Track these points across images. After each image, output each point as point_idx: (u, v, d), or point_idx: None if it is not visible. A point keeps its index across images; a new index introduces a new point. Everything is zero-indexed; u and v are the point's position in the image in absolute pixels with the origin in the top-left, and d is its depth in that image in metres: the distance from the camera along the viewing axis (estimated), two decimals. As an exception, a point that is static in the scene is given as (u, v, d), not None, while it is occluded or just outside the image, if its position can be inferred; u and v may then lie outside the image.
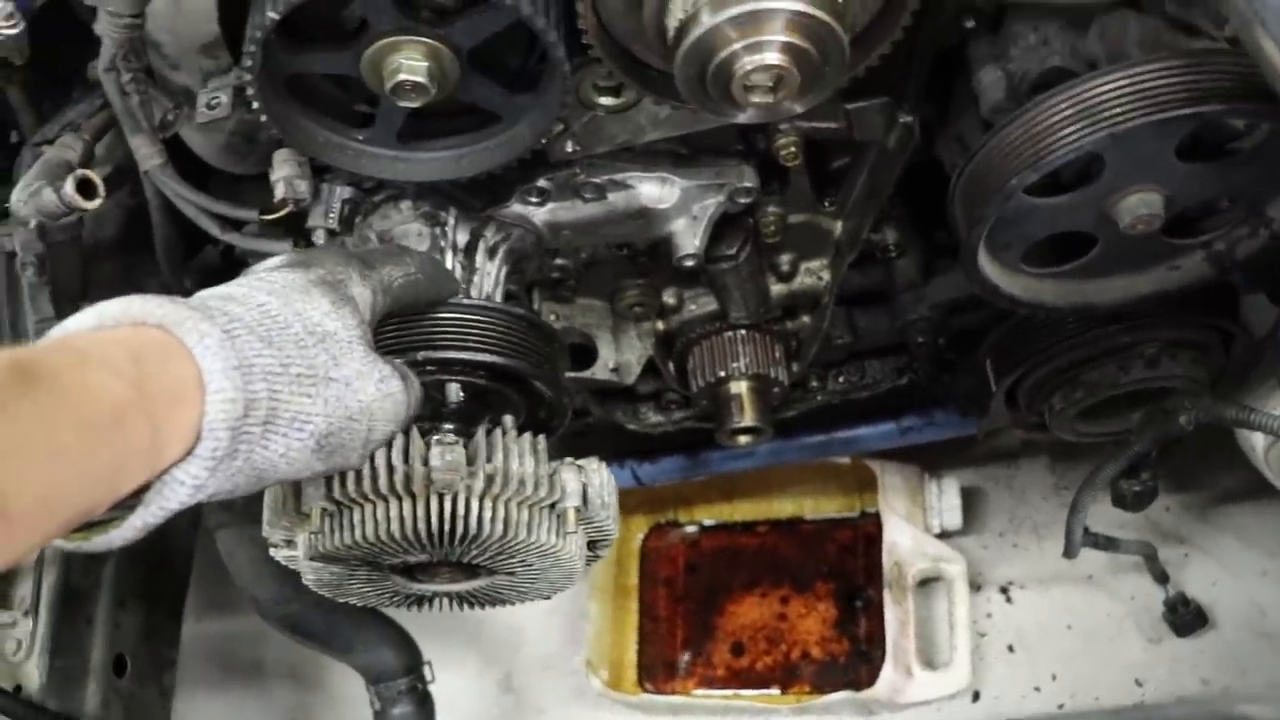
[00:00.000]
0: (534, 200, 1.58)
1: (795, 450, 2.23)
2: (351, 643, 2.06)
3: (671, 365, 1.92)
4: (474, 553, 1.32)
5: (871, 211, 1.71)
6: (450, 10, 1.29)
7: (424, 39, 1.29)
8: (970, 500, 2.38)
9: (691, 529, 2.54)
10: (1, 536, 0.79)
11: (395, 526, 1.27)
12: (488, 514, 1.29)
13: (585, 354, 1.87)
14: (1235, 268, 1.57)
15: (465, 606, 1.48)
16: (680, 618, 2.47)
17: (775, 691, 2.35)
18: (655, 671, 2.42)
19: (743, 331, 1.84)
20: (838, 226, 1.76)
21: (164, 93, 1.53)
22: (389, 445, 1.25)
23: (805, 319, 1.89)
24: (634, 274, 1.80)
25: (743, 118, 1.29)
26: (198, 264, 1.73)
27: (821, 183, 1.70)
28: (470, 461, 1.30)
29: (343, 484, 1.27)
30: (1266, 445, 1.85)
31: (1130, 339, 1.76)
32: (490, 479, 1.30)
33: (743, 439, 1.89)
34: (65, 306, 1.66)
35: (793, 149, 1.55)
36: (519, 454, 1.32)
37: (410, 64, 1.29)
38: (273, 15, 1.23)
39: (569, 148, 1.51)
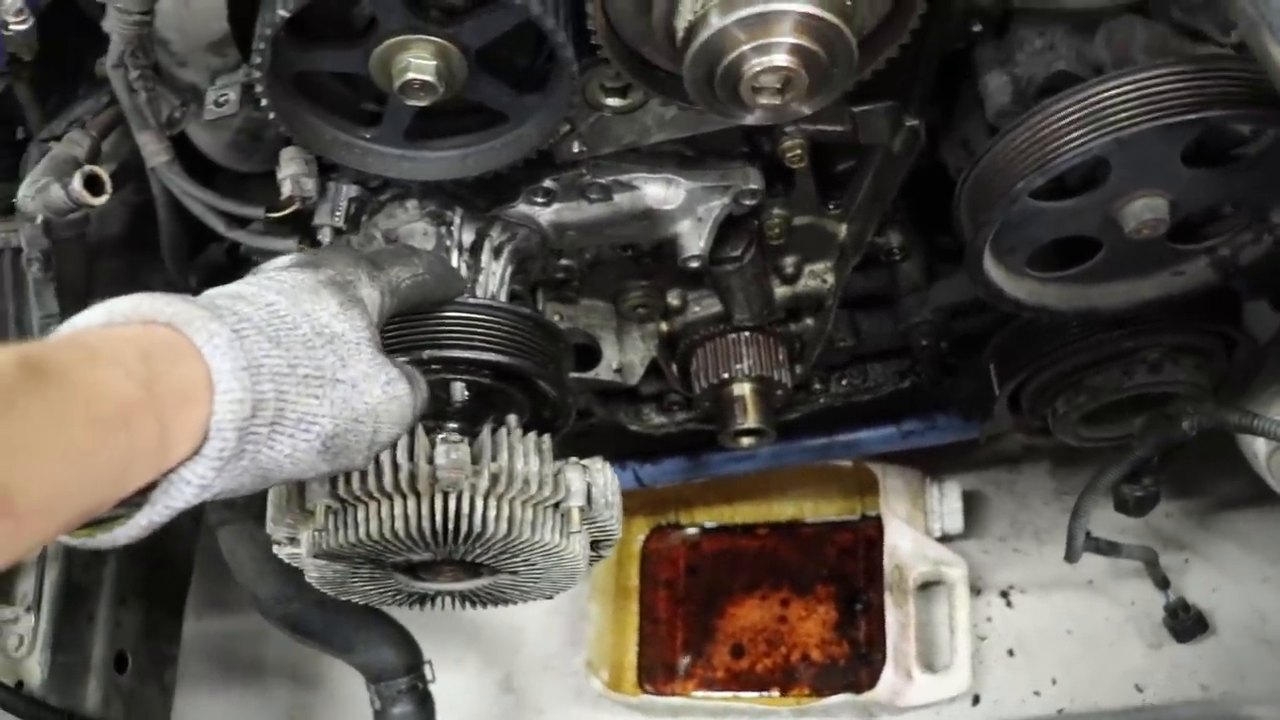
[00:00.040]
0: (539, 200, 1.58)
1: (797, 453, 2.23)
2: (352, 641, 2.06)
3: (675, 367, 1.92)
4: (478, 551, 1.32)
5: (876, 214, 1.71)
6: (459, 9, 1.30)
7: (433, 38, 1.29)
8: (971, 504, 2.38)
9: (692, 531, 2.54)
10: (8, 533, 0.78)
11: (399, 524, 1.27)
12: (492, 513, 1.29)
13: (589, 355, 1.87)
14: (1239, 273, 1.58)
15: (468, 605, 1.47)
16: (680, 619, 2.47)
17: (775, 694, 2.35)
18: (655, 673, 2.42)
19: (746, 333, 1.84)
20: (842, 229, 1.76)
21: (171, 90, 1.54)
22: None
23: (809, 321, 1.89)
24: (638, 275, 1.80)
25: (750, 119, 1.29)
26: (203, 261, 1.74)
27: (826, 185, 1.70)
28: (475, 460, 1.30)
29: (347, 482, 1.27)
30: (1269, 451, 1.85)
31: (1134, 344, 1.76)
32: (495, 478, 1.30)
33: (745, 441, 1.89)
34: (70, 303, 1.67)
35: (798, 151, 1.55)
36: (524, 453, 1.32)
37: (419, 63, 1.29)
38: (283, 13, 1.23)
39: (575, 148, 1.51)
